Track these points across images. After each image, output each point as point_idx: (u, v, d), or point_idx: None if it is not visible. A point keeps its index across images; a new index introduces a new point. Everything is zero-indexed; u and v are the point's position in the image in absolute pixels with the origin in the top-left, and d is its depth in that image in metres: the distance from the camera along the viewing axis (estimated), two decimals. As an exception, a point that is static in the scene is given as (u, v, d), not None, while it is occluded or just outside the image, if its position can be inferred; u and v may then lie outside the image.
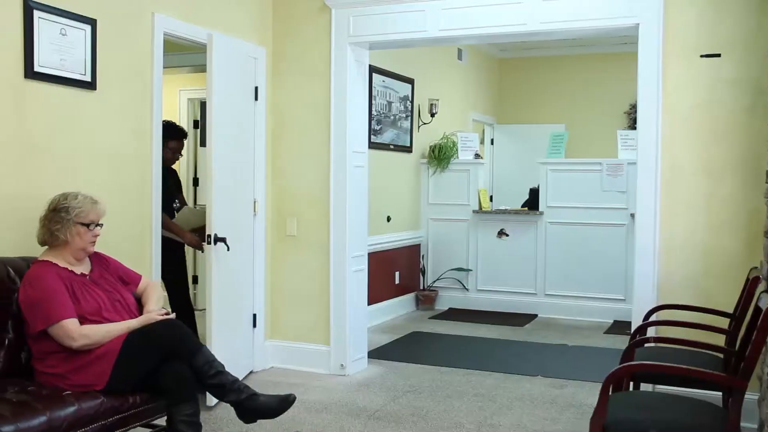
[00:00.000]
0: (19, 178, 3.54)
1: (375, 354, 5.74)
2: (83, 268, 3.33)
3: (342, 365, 5.19)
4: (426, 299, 7.93)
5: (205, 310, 4.49)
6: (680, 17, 4.37)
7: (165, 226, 4.65)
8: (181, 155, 5.13)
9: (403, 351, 5.98)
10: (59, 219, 3.24)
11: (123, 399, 3.04)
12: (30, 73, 3.55)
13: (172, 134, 4.95)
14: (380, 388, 4.88)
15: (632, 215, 6.73)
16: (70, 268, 3.25)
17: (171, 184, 5.00)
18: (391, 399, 4.64)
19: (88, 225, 3.28)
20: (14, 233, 3.51)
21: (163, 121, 4.55)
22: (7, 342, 3.14)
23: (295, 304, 5.37)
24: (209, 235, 4.39)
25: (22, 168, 3.55)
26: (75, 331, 3.06)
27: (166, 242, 4.58)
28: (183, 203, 5.20)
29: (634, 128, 8.20)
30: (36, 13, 3.55)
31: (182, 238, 4.91)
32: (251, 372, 5.10)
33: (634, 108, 9.37)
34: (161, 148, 4.43)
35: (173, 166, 5.19)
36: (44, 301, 3.07)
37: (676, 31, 4.38)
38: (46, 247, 3.30)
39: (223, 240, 4.46)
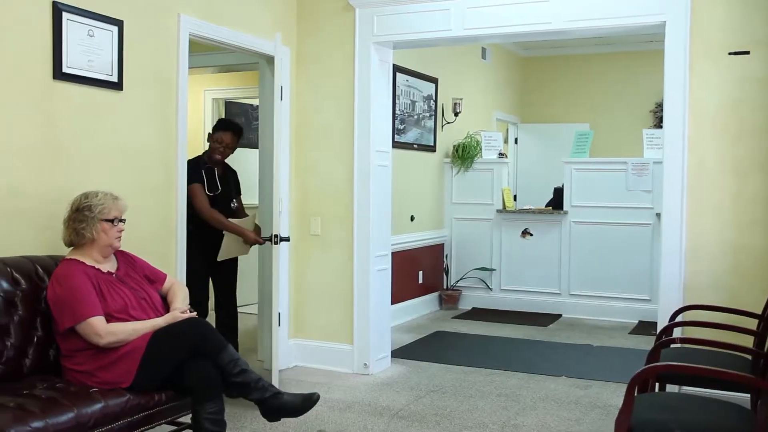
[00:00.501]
0: (46, 177, 3.58)
1: (398, 353, 5.75)
2: (110, 266, 3.37)
3: (365, 364, 5.20)
4: (449, 299, 7.92)
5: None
6: (708, 14, 4.32)
7: (223, 225, 4.69)
8: (229, 150, 4.87)
9: (426, 350, 5.98)
10: (83, 218, 3.27)
11: (149, 396, 3.06)
12: (58, 74, 3.60)
13: (219, 126, 4.90)
14: (403, 387, 4.88)
15: (658, 215, 6.69)
16: (97, 266, 3.29)
17: (231, 184, 4.94)
18: (415, 398, 4.64)
19: (111, 221, 3.32)
20: (42, 232, 3.56)
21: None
22: (36, 339, 3.18)
23: (319, 304, 5.39)
24: (276, 235, 4.45)
25: (50, 168, 3.60)
26: (102, 329, 3.09)
27: (216, 241, 4.65)
28: (240, 204, 5.05)
29: (660, 127, 8.17)
30: (65, 15, 3.60)
31: (245, 237, 4.82)
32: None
33: (659, 106, 9.29)
34: (186, 147, 4.45)
35: (234, 167, 5.10)
36: (72, 299, 3.11)
37: (704, 29, 4.33)
38: (72, 247, 3.34)
39: (287, 239, 4.57)
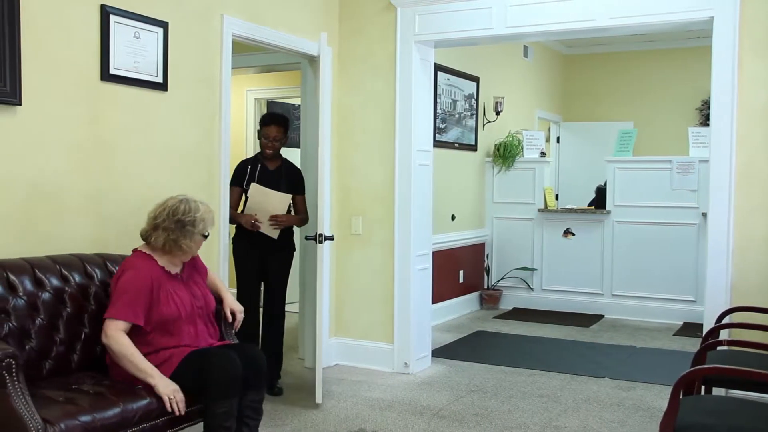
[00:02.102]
0: (94, 176, 3.66)
1: (439, 353, 5.74)
2: (177, 268, 3.37)
3: (406, 363, 5.20)
4: (490, 298, 7.88)
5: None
6: (757, 9, 4.23)
7: (232, 218, 4.67)
8: (277, 143, 4.74)
9: (466, 350, 5.96)
10: (186, 232, 3.27)
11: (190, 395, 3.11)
12: (106, 75, 3.67)
13: (263, 121, 4.80)
14: (444, 387, 4.87)
15: (704, 214, 6.57)
16: (166, 268, 3.30)
17: (279, 179, 4.76)
18: (455, 398, 4.62)
19: (206, 236, 3.37)
20: (90, 230, 3.64)
21: None
22: (83, 336, 3.25)
23: (360, 303, 5.41)
24: (320, 234, 4.45)
25: (97, 167, 3.67)
26: (112, 332, 3.07)
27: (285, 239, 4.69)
28: (297, 198, 4.89)
29: (706, 125, 8.04)
30: (112, 18, 3.67)
31: (240, 223, 4.75)
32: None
33: (706, 104, 9.14)
34: (229, 146, 4.49)
35: (297, 165, 5.02)
36: (120, 294, 3.14)
37: (753, 24, 4.24)
38: (148, 243, 3.32)
39: (331, 238, 4.60)
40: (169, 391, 3.01)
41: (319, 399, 4.40)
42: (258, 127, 4.85)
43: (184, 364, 3.14)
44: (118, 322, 3.10)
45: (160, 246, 3.28)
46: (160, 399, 2.96)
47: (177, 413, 2.99)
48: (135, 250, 3.34)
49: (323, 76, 4.56)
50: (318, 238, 4.48)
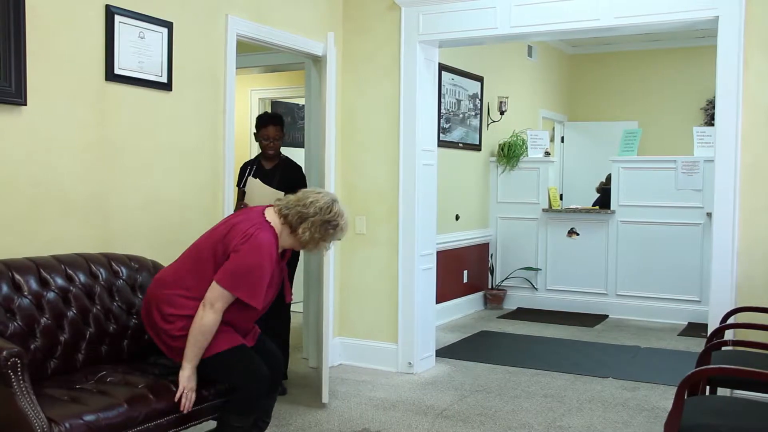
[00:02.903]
0: (99, 176, 3.66)
1: (443, 353, 5.74)
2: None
3: (410, 363, 5.20)
4: (494, 298, 7.88)
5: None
6: (762, 8, 4.22)
7: None
8: (278, 141, 4.77)
9: (471, 350, 5.96)
10: (327, 234, 3.20)
11: (197, 392, 3.11)
12: (110, 75, 3.68)
13: (259, 122, 4.82)
14: (448, 386, 4.87)
15: (708, 214, 6.56)
16: (279, 251, 3.21)
17: (276, 178, 4.74)
18: (459, 398, 4.62)
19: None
20: (95, 230, 3.65)
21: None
22: (88, 335, 3.24)
23: (364, 302, 5.41)
24: None
25: (102, 167, 3.68)
26: (220, 306, 3.01)
27: None
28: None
29: (711, 125, 8.02)
30: (117, 18, 3.68)
31: None
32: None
33: (710, 104, 9.12)
34: (234, 146, 4.50)
35: (299, 163, 5.03)
36: (249, 270, 3.03)
37: (758, 23, 4.23)
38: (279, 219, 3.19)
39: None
40: (189, 386, 2.99)
41: (325, 399, 4.40)
42: (255, 130, 4.85)
43: (228, 354, 3.08)
44: (231, 296, 3.02)
45: (302, 240, 3.17)
46: (162, 398, 2.96)
47: (182, 408, 2.98)
48: (264, 221, 3.15)
49: (329, 76, 4.56)
50: None
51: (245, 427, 3.16)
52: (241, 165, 4.89)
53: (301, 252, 4.92)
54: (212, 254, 3.12)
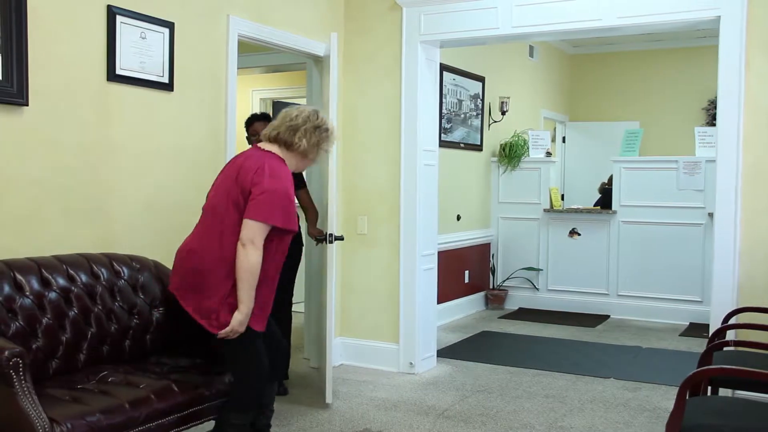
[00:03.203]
0: (101, 177, 3.67)
1: (444, 353, 5.74)
2: None
3: (411, 363, 5.20)
4: (495, 298, 7.88)
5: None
6: (764, 8, 4.21)
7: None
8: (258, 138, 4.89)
9: (472, 350, 5.95)
10: (320, 136, 3.24)
11: (198, 392, 3.10)
12: (112, 75, 3.68)
13: (247, 122, 4.86)
14: (449, 387, 4.87)
15: (710, 214, 6.55)
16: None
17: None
18: (460, 398, 4.62)
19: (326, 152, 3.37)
20: (96, 230, 3.65)
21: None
22: (89, 335, 3.25)
23: (365, 302, 5.41)
24: (330, 234, 4.45)
25: (104, 167, 3.68)
26: (260, 242, 3.00)
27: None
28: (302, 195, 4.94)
29: (713, 125, 8.00)
30: (119, 18, 3.68)
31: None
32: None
33: (712, 104, 9.11)
34: (235, 146, 4.51)
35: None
36: (279, 198, 3.04)
37: (760, 23, 4.22)
38: (276, 145, 3.23)
39: (341, 238, 4.60)
40: (239, 328, 3.00)
41: (329, 399, 4.40)
42: (246, 134, 4.87)
43: (246, 337, 3.06)
44: (267, 227, 3.00)
45: (302, 150, 3.20)
46: (168, 396, 2.96)
47: (223, 335, 3.00)
48: (265, 152, 3.18)
49: (332, 76, 4.55)
50: (328, 238, 4.48)
51: (245, 425, 3.16)
52: None
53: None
54: (233, 204, 3.07)
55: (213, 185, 3.29)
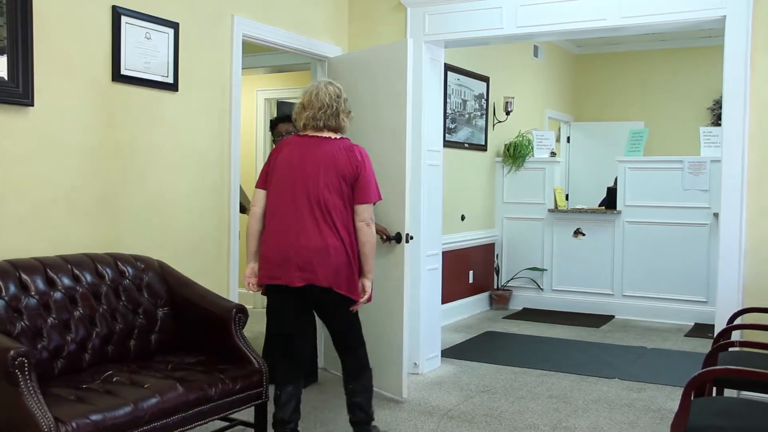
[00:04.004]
0: (105, 177, 3.68)
1: (448, 353, 5.73)
2: None
3: (415, 364, 5.19)
4: (500, 299, 7.87)
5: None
6: (769, 9, 4.21)
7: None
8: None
9: (476, 350, 5.95)
10: (346, 103, 3.54)
11: (203, 391, 3.11)
12: (117, 76, 3.69)
13: (272, 124, 4.98)
14: (453, 387, 4.87)
15: (715, 215, 6.54)
16: None
17: None
18: (465, 398, 4.62)
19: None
20: (101, 230, 3.66)
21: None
22: (95, 335, 3.27)
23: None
24: (407, 234, 4.43)
25: (109, 167, 3.69)
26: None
27: None
28: None
29: (718, 125, 8.00)
30: (123, 19, 3.69)
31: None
32: (326, 369, 5.15)
33: (717, 104, 9.09)
34: (240, 146, 4.53)
35: None
36: (374, 178, 3.48)
37: (766, 22, 4.21)
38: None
39: (412, 237, 4.57)
40: (371, 294, 3.49)
41: (405, 394, 4.50)
42: (271, 127, 4.93)
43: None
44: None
45: (346, 127, 3.53)
46: (173, 396, 2.97)
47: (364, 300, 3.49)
48: (335, 139, 3.46)
49: (409, 83, 4.43)
50: (405, 238, 4.43)
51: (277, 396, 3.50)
52: None
53: None
54: (338, 194, 3.37)
55: (283, 183, 3.40)
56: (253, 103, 7.67)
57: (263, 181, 3.49)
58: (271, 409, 3.49)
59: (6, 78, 3.18)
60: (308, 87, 3.53)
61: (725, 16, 4.30)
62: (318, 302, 3.45)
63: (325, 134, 3.45)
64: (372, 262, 3.45)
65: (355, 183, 3.39)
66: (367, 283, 3.45)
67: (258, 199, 3.49)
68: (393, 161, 4.48)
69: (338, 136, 3.47)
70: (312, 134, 3.45)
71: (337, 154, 3.38)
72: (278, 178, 3.40)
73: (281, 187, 3.39)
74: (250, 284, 3.52)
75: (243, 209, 4.69)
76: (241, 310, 3.51)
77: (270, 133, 4.96)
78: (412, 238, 4.50)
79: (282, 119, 4.96)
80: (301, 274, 3.31)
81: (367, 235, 3.41)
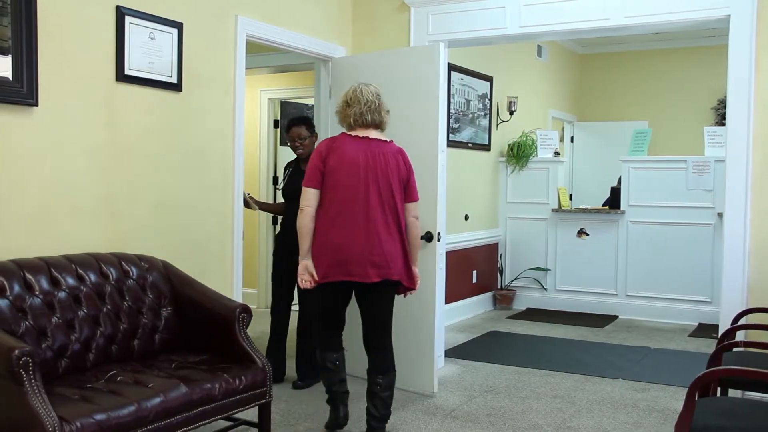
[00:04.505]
0: (109, 176, 3.68)
1: (452, 353, 5.73)
2: None
3: (419, 363, 5.19)
4: (503, 299, 7.86)
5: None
6: (774, 8, 4.20)
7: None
8: (305, 141, 4.77)
9: (480, 350, 5.95)
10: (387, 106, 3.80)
11: (207, 390, 3.11)
12: (121, 76, 3.69)
13: (286, 127, 4.91)
14: (457, 387, 4.87)
15: (719, 214, 6.52)
16: None
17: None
18: (468, 398, 4.62)
19: None
20: (105, 230, 3.67)
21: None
22: (98, 334, 3.27)
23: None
24: (438, 233, 4.56)
25: (113, 167, 3.70)
26: None
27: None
28: None
29: (722, 124, 7.98)
30: (127, 19, 3.70)
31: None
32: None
33: (721, 103, 9.08)
34: (243, 146, 4.54)
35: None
36: None
37: (769, 23, 4.21)
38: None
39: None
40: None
41: (435, 388, 4.64)
42: (288, 142, 4.94)
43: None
44: None
45: (387, 123, 3.79)
46: (176, 396, 2.97)
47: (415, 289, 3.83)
48: (383, 140, 3.71)
49: (441, 86, 4.57)
50: (437, 237, 4.56)
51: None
52: (285, 165, 5.04)
53: None
54: (399, 196, 3.69)
55: (354, 183, 3.58)
56: (256, 103, 7.68)
57: (318, 181, 3.60)
58: (275, 408, 3.49)
59: (10, 78, 3.19)
60: (348, 89, 3.75)
61: (729, 15, 4.29)
62: (375, 293, 3.71)
63: (373, 134, 3.68)
64: (418, 253, 3.88)
65: (407, 184, 3.74)
66: (417, 271, 3.80)
67: (312, 198, 3.60)
68: (421, 163, 4.53)
69: (388, 139, 3.74)
70: (363, 135, 3.65)
71: (396, 158, 3.70)
72: (345, 179, 3.56)
73: (350, 187, 3.56)
74: (304, 281, 3.64)
75: (246, 204, 4.73)
76: (245, 310, 3.51)
77: (285, 133, 4.90)
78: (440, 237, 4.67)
79: (295, 122, 4.89)
80: (377, 271, 3.58)
81: (418, 228, 3.82)
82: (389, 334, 3.79)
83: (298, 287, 4.19)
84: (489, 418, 4.24)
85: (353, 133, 3.65)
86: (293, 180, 4.75)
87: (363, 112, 3.62)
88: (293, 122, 4.85)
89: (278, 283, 4.90)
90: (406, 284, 3.73)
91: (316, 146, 3.94)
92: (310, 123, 4.88)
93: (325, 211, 3.57)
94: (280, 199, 5.10)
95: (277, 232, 5.02)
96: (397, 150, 3.73)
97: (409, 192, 3.74)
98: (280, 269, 4.84)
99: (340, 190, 3.54)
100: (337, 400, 3.89)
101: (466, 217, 7.35)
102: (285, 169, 5.01)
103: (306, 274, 3.61)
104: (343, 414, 3.91)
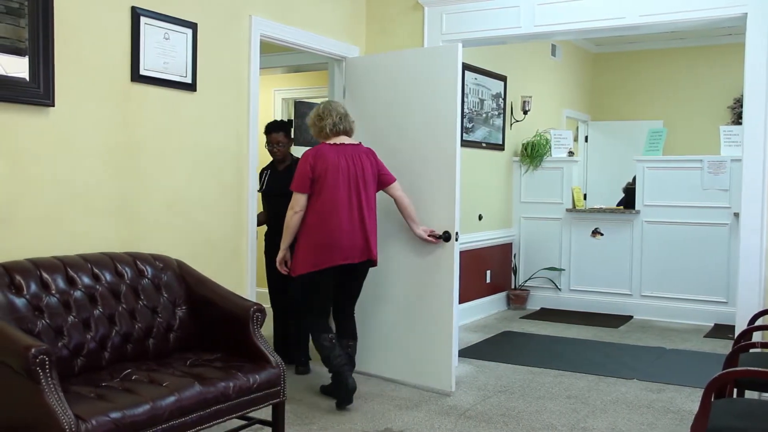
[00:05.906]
0: (124, 176, 3.70)
1: (465, 353, 5.72)
2: None
3: (432, 363, 5.20)
4: (517, 298, 7.84)
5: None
6: (791, 6, 4.16)
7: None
8: (281, 146, 5.02)
9: (493, 350, 5.93)
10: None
11: (221, 390, 3.12)
12: (136, 76, 3.71)
13: (266, 130, 5.09)
14: (471, 387, 4.86)
15: (736, 214, 6.48)
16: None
17: (287, 180, 4.88)
18: (482, 398, 4.61)
19: None
20: (120, 229, 3.69)
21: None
22: (114, 333, 3.29)
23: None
24: (457, 233, 4.66)
25: (128, 167, 3.72)
26: None
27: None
28: None
29: (739, 123, 7.92)
30: (143, 19, 3.72)
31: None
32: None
33: (738, 102, 9.01)
34: (257, 146, 4.58)
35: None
36: None
37: (786, 22, 4.17)
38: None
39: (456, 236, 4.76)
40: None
41: (453, 386, 4.68)
42: (266, 141, 5.10)
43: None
44: None
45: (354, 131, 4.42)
46: (191, 395, 2.98)
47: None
48: (356, 144, 4.35)
49: (457, 89, 4.63)
50: (455, 236, 4.63)
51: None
52: (260, 170, 5.07)
53: None
54: (373, 189, 4.36)
55: (338, 184, 4.18)
56: (270, 102, 7.70)
57: (307, 186, 4.17)
58: (288, 408, 3.49)
59: (27, 79, 3.22)
60: (316, 107, 4.39)
61: (746, 13, 4.26)
62: (356, 272, 4.41)
63: (345, 140, 4.31)
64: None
65: (380, 173, 4.39)
66: (424, 227, 4.59)
67: (304, 202, 4.19)
68: (438, 164, 4.66)
69: (357, 141, 4.37)
70: (339, 142, 4.27)
71: (368, 157, 4.34)
72: (331, 181, 4.16)
73: (336, 188, 4.17)
74: (282, 267, 4.40)
75: (260, 222, 4.89)
76: (260, 310, 3.52)
77: (265, 135, 5.09)
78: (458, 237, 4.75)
79: (275, 128, 5.10)
80: (361, 254, 4.30)
81: (408, 197, 4.51)
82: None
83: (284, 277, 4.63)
84: (503, 419, 4.23)
85: (330, 142, 4.26)
86: (273, 179, 5.05)
87: (336, 122, 4.27)
88: (273, 128, 5.08)
89: (276, 282, 5.07)
90: (376, 263, 4.44)
91: (301, 156, 4.30)
92: (288, 129, 5.13)
93: (316, 210, 4.17)
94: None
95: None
96: (367, 150, 4.37)
97: (384, 178, 4.41)
98: (274, 268, 4.82)
99: (330, 191, 4.15)
100: (342, 367, 4.27)
101: (480, 217, 7.33)
102: (261, 174, 5.11)
103: (282, 262, 4.37)
104: (351, 381, 4.26)
